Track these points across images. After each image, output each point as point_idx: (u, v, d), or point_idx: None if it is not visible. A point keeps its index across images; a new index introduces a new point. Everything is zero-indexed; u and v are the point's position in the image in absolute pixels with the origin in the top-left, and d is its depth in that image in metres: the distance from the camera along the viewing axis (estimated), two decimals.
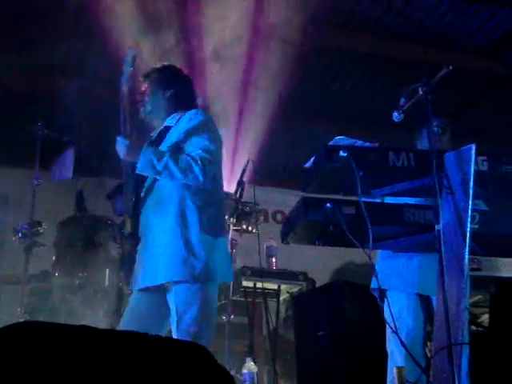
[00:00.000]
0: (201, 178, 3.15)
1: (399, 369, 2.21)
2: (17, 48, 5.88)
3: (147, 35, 5.64)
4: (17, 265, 5.24)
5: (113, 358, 1.40)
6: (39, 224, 5.12)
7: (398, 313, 3.48)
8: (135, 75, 3.45)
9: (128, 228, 3.25)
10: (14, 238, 5.16)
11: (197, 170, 3.13)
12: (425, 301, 3.60)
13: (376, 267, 3.59)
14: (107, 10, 5.42)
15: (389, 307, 3.25)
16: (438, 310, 2.75)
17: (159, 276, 3.14)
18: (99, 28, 5.46)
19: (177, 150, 3.23)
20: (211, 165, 3.20)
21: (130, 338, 1.55)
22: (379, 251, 3.66)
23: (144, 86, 3.47)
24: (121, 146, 3.23)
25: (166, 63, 3.63)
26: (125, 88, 3.33)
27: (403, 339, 3.41)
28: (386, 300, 3.48)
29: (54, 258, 5.27)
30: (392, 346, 3.54)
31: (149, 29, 5.70)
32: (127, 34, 5.54)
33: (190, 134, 3.26)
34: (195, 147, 3.20)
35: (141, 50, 5.31)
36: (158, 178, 3.23)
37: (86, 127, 5.68)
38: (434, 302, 3.54)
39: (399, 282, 3.55)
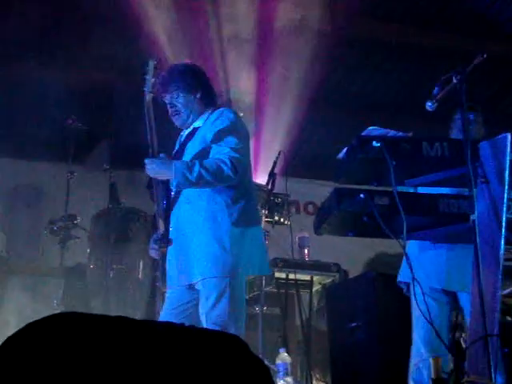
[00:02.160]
0: (233, 178, 3.16)
1: (436, 359, 2.19)
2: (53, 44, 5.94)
3: (177, 26, 5.67)
4: (52, 257, 5.31)
5: (150, 349, 1.41)
6: (74, 217, 5.18)
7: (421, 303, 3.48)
8: (157, 84, 3.37)
9: (161, 229, 3.27)
10: (48, 231, 5.24)
11: (228, 171, 3.13)
12: (450, 295, 3.57)
13: (403, 261, 3.59)
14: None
15: (415, 297, 3.27)
16: (474, 301, 2.72)
17: (193, 274, 3.18)
18: (129, 20, 5.48)
19: (204, 155, 3.23)
20: (241, 162, 3.20)
21: (166, 329, 1.56)
22: (408, 245, 3.64)
23: (171, 93, 3.39)
24: (149, 167, 3.22)
25: (185, 63, 3.60)
26: (148, 98, 3.30)
27: (425, 330, 3.43)
28: (412, 291, 3.50)
29: (88, 250, 5.33)
30: (415, 335, 3.54)
31: (179, 19, 5.72)
32: (157, 26, 5.57)
33: (217, 133, 3.26)
34: (223, 146, 3.20)
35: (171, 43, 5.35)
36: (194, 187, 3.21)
37: (118, 120, 5.73)
38: (460, 297, 3.54)
39: (425, 277, 3.52)
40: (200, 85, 3.45)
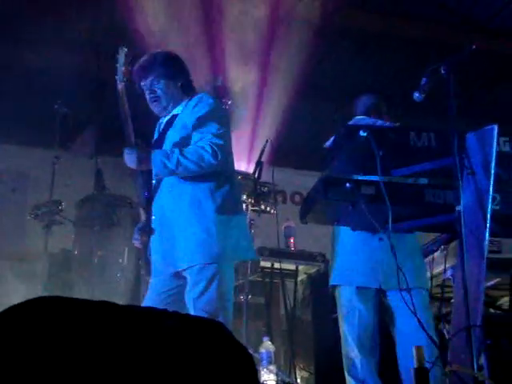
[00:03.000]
0: (214, 164, 3.13)
1: (418, 348, 2.20)
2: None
3: (166, 14, 5.63)
4: (37, 243, 5.28)
5: (132, 333, 1.41)
6: (58, 203, 5.15)
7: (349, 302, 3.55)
8: (131, 73, 3.32)
9: (142, 219, 3.26)
10: (33, 217, 5.21)
11: (209, 157, 3.11)
12: (375, 291, 3.60)
13: (335, 263, 3.63)
14: None
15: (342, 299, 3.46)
16: (457, 292, 2.74)
17: (178, 262, 3.16)
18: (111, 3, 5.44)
19: (186, 142, 3.21)
20: (222, 147, 3.17)
21: (149, 314, 1.55)
22: (337, 246, 3.67)
23: (151, 79, 3.34)
24: (130, 158, 3.18)
25: (166, 51, 3.54)
26: (120, 87, 3.25)
27: (356, 332, 3.48)
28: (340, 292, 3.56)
29: (73, 236, 5.31)
30: (347, 334, 3.61)
31: (168, 9, 5.69)
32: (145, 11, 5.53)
33: (197, 119, 3.24)
34: (205, 133, 3.18)
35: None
36: (174, 176, 3.19)
37: (105, 107, 5.69)
38: (389, 295, 3.57)
39: (362, 279, 3.55)
40: (181, 73, 3.42)
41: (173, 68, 3.39)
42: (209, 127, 3.20)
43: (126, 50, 3.28)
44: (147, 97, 3.37)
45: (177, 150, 3.13)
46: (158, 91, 3.34)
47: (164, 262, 3.23)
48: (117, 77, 3.26)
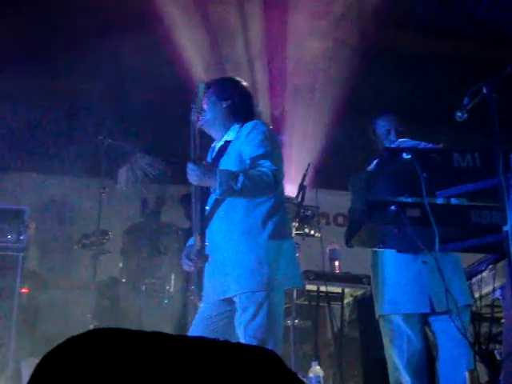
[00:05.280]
0: (274, 190, 3.21)
1: (472, 372, 2.18)
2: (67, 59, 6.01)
3: (209, 46, 5.72)
4: (85, 272, 5.36)
5: (185, 364, 1.43)
6: (106, 233, 5.23)
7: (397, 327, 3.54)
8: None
9: (198, 244, 3.28)
10: (80, 246, 5.30)
11: (270, 182, 3.16)
12: (421, 316, 3.57)
13: (381, 291, 3.59)
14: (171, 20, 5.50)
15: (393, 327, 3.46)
16: (508, 313, 2.71)
17: (230, 288, 3.18)
18: (163, 37, 5.54)
19: (246, 166, 3.24)
20: (280, 174, 3.24)
21: (201, 344, 1.57)
22: (380, 272, 3.65)
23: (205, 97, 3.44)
24: (192, 173, 3.18)
25: (226, 75, 3.67)
26: (194, 118, 3.35)
27: (406, 357, 3.45)
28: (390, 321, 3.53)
29: (120, 264, 5.38)
30: (397, 360, 3.58)
31: (211, 39, 5.77)
32: (190, 44, 5.62)
33: (253, 147, 3.27)
34: (263, 160, 3.22)
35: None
36: (235, 197, 3.22)
37: (148, 135, 5.78)
38: (432, 321, 3.52)
39: (410, 305, 3.52)
40: (231, 95, 3.48)
41: (224, 87, 3.48)
42: (265, 155, 3.23)
43: (206, 85, 3.37)
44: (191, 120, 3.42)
45: (241, 173, 3.15)
46: (205, 106, 3.42)
47: (214, 288, 3.25)
48: (193, 109, 3.36)
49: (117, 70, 5.85)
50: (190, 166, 3.19)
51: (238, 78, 3.63)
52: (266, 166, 3.19)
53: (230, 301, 3.22)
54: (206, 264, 3.27)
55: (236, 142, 3.36)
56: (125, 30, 5.36)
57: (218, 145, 3.50)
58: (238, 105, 3.48)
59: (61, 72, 6.14)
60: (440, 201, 2.98)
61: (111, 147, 5.29)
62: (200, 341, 1.61)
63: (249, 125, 3.37)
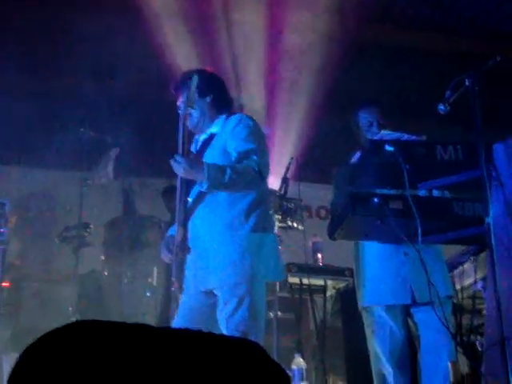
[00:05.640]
0: (261, 183, 3.23)
1: (454, 364, 2.19)
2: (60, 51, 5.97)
3: (187, 33, 5.69)
4: (66, 265, 5.33)
5: (169, 356, 1.42)
6: (87, 225, 5.20)
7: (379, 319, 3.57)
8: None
9: (180, 236, 3.27)
10: (61, 239, 5.26)
11: (257, 177, 3.17)
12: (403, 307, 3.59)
13: (364, 283, 3.61)
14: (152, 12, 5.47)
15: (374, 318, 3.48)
16: (489, 304, 2.72)
17: (212, 281, 3.18)
18: (143, 30, 5.51)
19: (232, 160, 3.24)
20: (266, 167, 3.25)
21: (185, 336, 1.56)
22: (363, 265, 3.67)
23: (183, 96, 3.38)
24: (180, 165, 3.15)
25: (198, 68, 3.58)
26: (185, 111, 3.32)
27: (388, 347, 3.47)
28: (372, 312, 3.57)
29: (102, 257, 5.35)
30: (377, 350, 3.60)
31: (189, 28, 5.75)
32: (171, 36, 5.59)
33: (239, 140, 3.26)
34: (249, 153, 3.21)
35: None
36: (223, 191, 3.21)
37: (128, 128, 5.75)
38: (414, 311, 3.55)
39: (392, 297, 3.54)
40: (211, 89, 3.45)
41: (204, 82, 3.39)
42: (251, 148, 3.23)
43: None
44: (180, 113, 3.38)
45: (228, 166, 3.15)
46: (190, 107, 3.35)
47: (196, 280, 3.24)
48: (183, 101, 3.33)
49: (100, 62, 5.82)
50: (178, 159, 3.16)
51: (208, 69, 3.59)
52: (252, 160, 3.18)
53: (211, 293, 3.21)
54: (188, 256, 3.26)
55: (221, 135, 3.35)
56: (107, 18, 5.32)
57: (202, 137, 3.48)
58: (219, 98, 3.47)
59: (42, 65, 6.09)
60: (422, 193, 3.00)
61: (92, 140, 5.26)
62: (184, 332, 1.61)
63: (234, 118, 3.36)
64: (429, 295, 2.81)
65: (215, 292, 3.19)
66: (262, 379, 1.47)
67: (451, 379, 2.19)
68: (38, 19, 5.63)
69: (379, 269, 3.57)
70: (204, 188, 3.13)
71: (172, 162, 3.17)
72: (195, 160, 3.22)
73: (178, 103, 3.44)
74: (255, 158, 3.19)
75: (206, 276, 3.19)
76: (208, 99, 3.42)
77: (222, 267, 3.14)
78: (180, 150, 3.23)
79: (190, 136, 3.38)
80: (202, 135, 3.48)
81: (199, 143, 3.48)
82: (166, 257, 3.33)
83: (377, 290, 3.57)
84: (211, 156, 3.31)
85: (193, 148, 3.52)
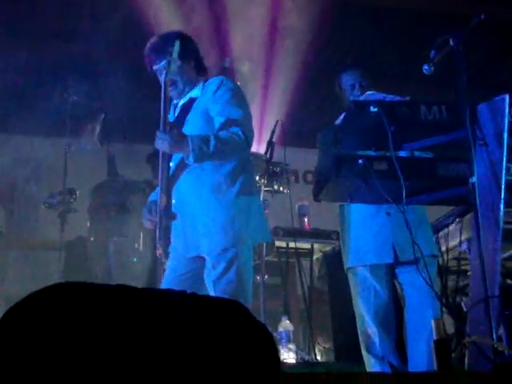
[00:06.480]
0: (246, 149, 3.20)
1: (437, 320, 2.21)
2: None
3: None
4: (52, 231, 5.31)
5: (152, 315, 1.42)
6: (72, 191, 5.17)
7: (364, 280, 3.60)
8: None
9: (163, 203, 3.21)
10: (47, 205, 5.24)
11: (242, 143, 3.12)
12: (388, 267, 3.61)
13: (348, 245, 3.62)
14: None
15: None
16: (474, 264, 2.74)
17: (200, 245, 3.16)
18: None
19: (209, 128, 3.19)
20: (250, 131, 3.20)
21: (168, 296, 1.56)
22: (347, 227, 3.68)
23: (163, 62, 3.25)
24: (163, 142, 3.08)
25: (177, 31, 3.47)
26: (167, 78, 3.20)
27: (373, 308, 3.50)
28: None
29: (88, 223, 5.34)
30: (362, 311, 3.62)
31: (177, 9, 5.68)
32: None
33: (221, 104, 3.20)
34: (232, 118, 3.16)
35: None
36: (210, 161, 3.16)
37: (113, 94, 5.69)
38: (398, 272, 3.58)
39: (375, 257, 3.55)
40: (193, 53, 3.38)
41: (185, 48, 3.28)
42: (234, 113, 3.18)
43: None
44: (161, 81, 3.25)
45: (212, 136, 3.08)
46: (174, 75, 3.25)
47: (184, 246, 3.23)
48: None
49: (85, 29, 5.75)
50: (160, 135, 3.10)
51: (184, 32, 3.46)
52: (236, 125, 3.13)
53: (199, 257, 3.20)
54: (174, 222, 3.24)
55: (202, 99, 3.28)
56: None
57: (181, 102, 3.40)
58: (198, 61, 3.41)
59: (27, 29, 5.99)
60: (407, 154, 2.99)
61: (77, 105, 5.21)
62: (168, 293, 1.61)
63: (214, 81, 3.29)
64: (413, 254, 2.82)
65: (205, 256, 3.18)
66: (246, 339, 1.47)
67: (435, 336, 2.21)
68: None
69: (362, 229, 3.58)
70: (191, 161, 3.08)
71: (156, 139, 3.11)
72: (179, 135, 3.10)
73: (155, 68, 3.32)
74: (239, 122, 3.14)
75: (196, 242, 3.17)
76: (192, 63, 3.35)
77: (212, 233, 3.12)
78: (162, 122, 3.13)
79: (169, 101, 3.29)
80: (180, 100, 3.40)
81: (178, 109, 3.41)
82: (148, 222, 3.30)
83: (360, 251, 3.58)
84: (192, 121, 3.26)
85: (171, 113, 3.42)
